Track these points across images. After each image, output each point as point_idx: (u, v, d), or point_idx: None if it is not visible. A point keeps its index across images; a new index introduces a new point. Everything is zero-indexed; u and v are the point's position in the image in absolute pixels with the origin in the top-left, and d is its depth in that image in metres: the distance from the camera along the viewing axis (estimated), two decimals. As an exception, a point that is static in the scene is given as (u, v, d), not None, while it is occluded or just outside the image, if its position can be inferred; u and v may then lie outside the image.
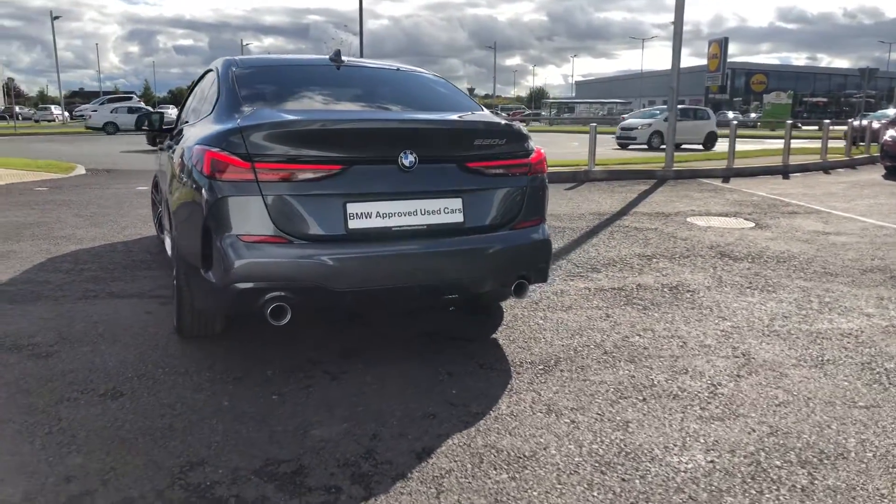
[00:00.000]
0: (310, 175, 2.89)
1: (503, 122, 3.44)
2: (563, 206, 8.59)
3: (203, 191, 2.92)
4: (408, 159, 2.99)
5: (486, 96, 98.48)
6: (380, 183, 3.00)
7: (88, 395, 2.84)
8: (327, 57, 3.96)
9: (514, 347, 3.50)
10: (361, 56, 31.21)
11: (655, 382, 3.09)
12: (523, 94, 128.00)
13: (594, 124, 12.33)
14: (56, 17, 50.67)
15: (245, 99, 3.34)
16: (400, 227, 3.03)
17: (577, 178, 11.61)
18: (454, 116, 3.40)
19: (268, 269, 2.84)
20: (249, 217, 2.85)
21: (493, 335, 3.68)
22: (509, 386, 3.03)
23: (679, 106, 15.40)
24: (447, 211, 3.12)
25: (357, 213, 2.96)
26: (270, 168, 2.84)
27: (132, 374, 3.07)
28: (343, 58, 3.96)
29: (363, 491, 2.18)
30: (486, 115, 3.62)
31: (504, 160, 3.27)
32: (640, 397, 2.93)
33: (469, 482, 2.24)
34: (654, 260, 5.54)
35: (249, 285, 2.83)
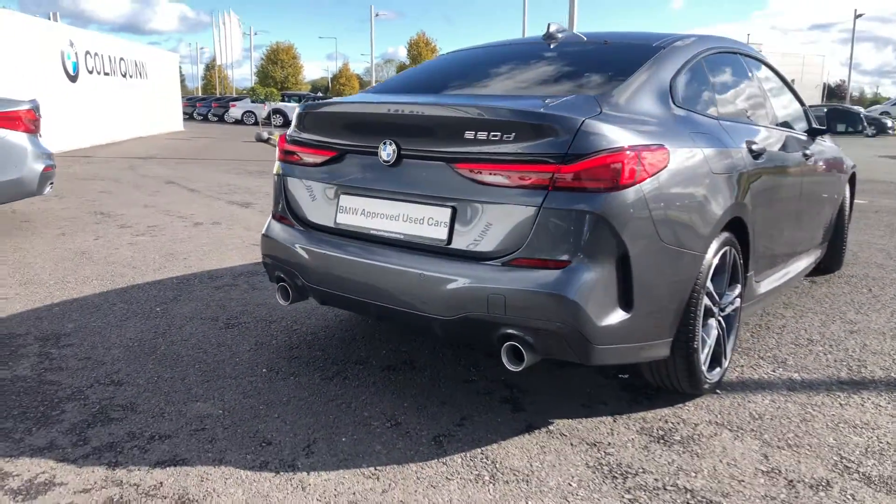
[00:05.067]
0: (311, 159, 2.78)
1: (533, 109, 2.29)
2: None
3: None
4: (385, 151, 2.48)
5: None
6: (365, 177, 2.59)
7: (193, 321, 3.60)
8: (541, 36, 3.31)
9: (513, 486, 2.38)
10: None
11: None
12: None
13: None
14: None
15: (384, 84, 3.30)
16: (379, 231, 2.56)
17: None
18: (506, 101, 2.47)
19: (273, 248, 2.91)
20: (277, 198, 2.97)
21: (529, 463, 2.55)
22: None
23: None
24: (431, 223, 2.42)
25: (345, 207, 2.67)
26: (291, 150, 2.88)
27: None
28: (561, 35, 3.24)
29: None
30: (566, 98, 2.44)
31: (506, 164, 2.24)
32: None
33: None
34: None
35: (267, 261, 2.99)
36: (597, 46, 3.07)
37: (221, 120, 36.74)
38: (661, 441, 2.39)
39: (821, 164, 4.04)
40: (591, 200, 2.16)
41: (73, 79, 16.40)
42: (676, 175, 2.37)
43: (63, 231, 6.00)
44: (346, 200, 2.66)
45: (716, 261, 2.60)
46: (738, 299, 2.91)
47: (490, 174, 2.26)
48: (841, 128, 4.24)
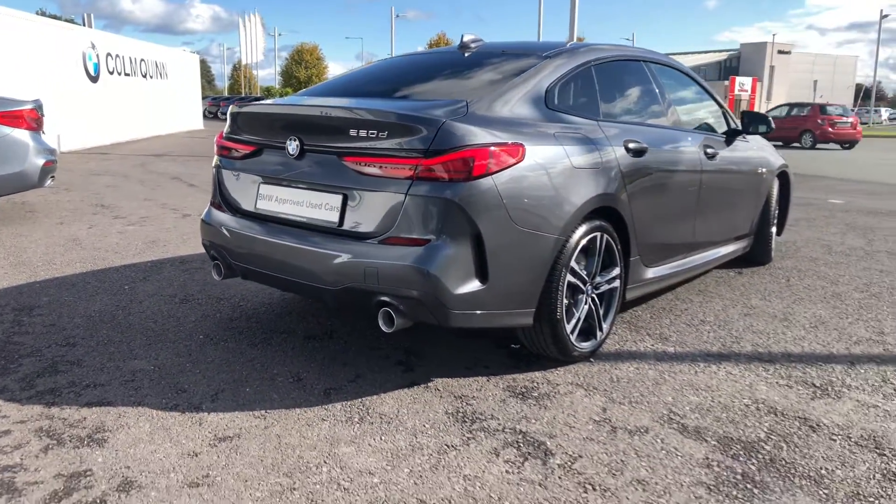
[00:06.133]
0: (238, 154, 3.21)
1: (404, 111, 2.70)
2: None
3: None
4: (291, 146, 2.90)
5: None
6: (278, 168, 3.02)
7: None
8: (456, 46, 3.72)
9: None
10: None
11: None
12: None
13: None
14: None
15: (310, 89, 3.75)
16: (287, 215, 2.98)
17: None
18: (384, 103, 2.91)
19: (209, 232, 3.34)
20: (214, 187, 3.41)
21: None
22: None
23: None
24: (327, 208, 2.84)
25: (263, 195, 3.10)
26: (225, 145, 3.32)
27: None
28: (474, 45, 3.65)
29: None
30: (428, 103, 2.87)
31: (380, 157, 2.65)
32: None
33: None
34: None
35: (205, 242, 3.42)
36: (495, 56, 3.46)
37: (243, 119, 37.54)
38: (520, 396, 2.78)
39: (735, 162, 4.38)
40: (447, 189, 2.56)
41: (94, 79, 17.13)
42: (531, 168, 2.75)
43: (62, 220, 6.54)
44: (264, 189, 3.09)
45: (583, 243, 2.98)
46: (617, 280, 3.27)
47: (370, 166, 2.67)
48: (762, 129, 4.55)
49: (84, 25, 19.23)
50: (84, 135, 16.00)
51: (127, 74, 19.40)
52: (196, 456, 2.28)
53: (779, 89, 73.74)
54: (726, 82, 66.31)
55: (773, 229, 5.15)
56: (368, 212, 2.70)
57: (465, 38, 3.66)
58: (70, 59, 15.84)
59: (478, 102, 2.83)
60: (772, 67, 71.24)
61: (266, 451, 2.33)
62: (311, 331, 3.49)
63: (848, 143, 24.50)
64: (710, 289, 4.46)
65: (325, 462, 2.26)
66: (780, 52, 73.84)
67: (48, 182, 6.47)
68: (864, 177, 13.11)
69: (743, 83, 64.32)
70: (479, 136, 2.63)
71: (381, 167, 2.65)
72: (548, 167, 2.83)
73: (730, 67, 73.75)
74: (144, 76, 20.88)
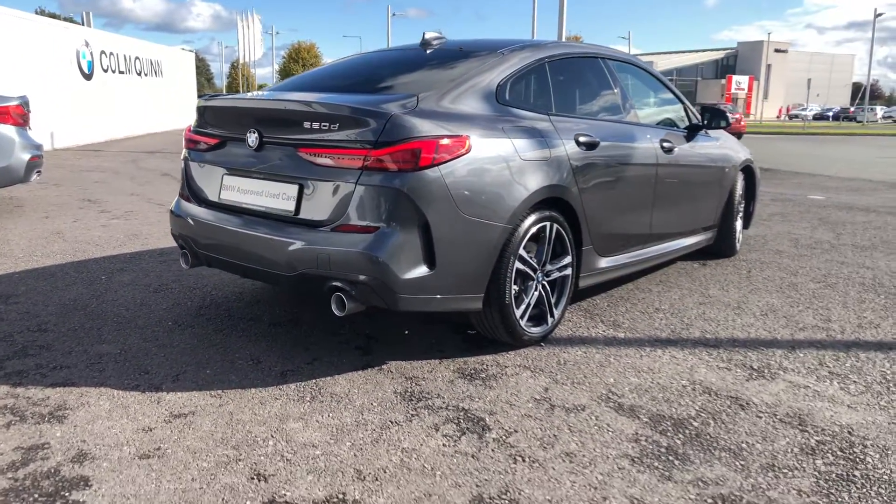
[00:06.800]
0: (204, 146, 3.34)
1: (355, 104, 2.82)
2: None
3: None
4: (251, 138, 3.02)
5: None
6: (239, 160, 3.14)
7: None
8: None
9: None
10: None
11: None
12: None
13: None
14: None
15: (280, 84, 3.87)
16: (248, 204, 3.11)
17: None
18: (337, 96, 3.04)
19: (177, 222, 3.47)
20: (182, 179, 3.54)
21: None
22: None
23: None
24: (284, 197, 2.97)
25: (227, 185, 3.22)
26: (192, 139, 3.45)
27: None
28: (436, 42, 3.77)
29: None
30: (384, 97, 3.00)
31: (332, 149, 2.78)
32: None
33: None
34: None
35: (174, 232, 3.55)
36: (453, 53, 3.58)
37: (239, 117, 37.60)
38: (468, 377, 2.91)
39: (694, 156, 4.50)
40: (394, 178, 2.68)
41: (88, 77, 17.24)
42: (478, 160, 2.88)
43: (48, 214, 6.66)
44: (227, 180, 3.21)
45: (532, 231, 3.10)
46: (569, 269, 3.40)
47: (323, 157, 2.80)
48: (722, 124, 4.67)
49: (83, 24, 19.34)
50: (78, 132, 16.11)
51: (121, 72, 19.51)
52: (150, 431, 2.41)
53: (776, 88, 73.91)
54: (723, 81, 66.51)
55: (739, 223, 5.28)
56: (322, 201, 2.83)
57: (427, 36, 3.78)
58: (64, 56, 15.94)
59: (428, 97, 2.95)
60: (769, 66, 71.35)
61: (217, 426, 2.45)
62: (277, 318, 3.62)
63: (734, 135, 28.30)
64: (670, 279, 4.59)
65: (272, 436, 2.39)
66: (777, 50, 73.95)
67: (34, 177, 6.59)
68: (855, 174, 13.22)
69: (740, 82, 64.40)
70: (427, 128, 2.76)
71: (333, 158, 2.77)
72: (495, 159, 2.95)
73: (727, 66, 73.84)
74: (139, 74, 20.99)
